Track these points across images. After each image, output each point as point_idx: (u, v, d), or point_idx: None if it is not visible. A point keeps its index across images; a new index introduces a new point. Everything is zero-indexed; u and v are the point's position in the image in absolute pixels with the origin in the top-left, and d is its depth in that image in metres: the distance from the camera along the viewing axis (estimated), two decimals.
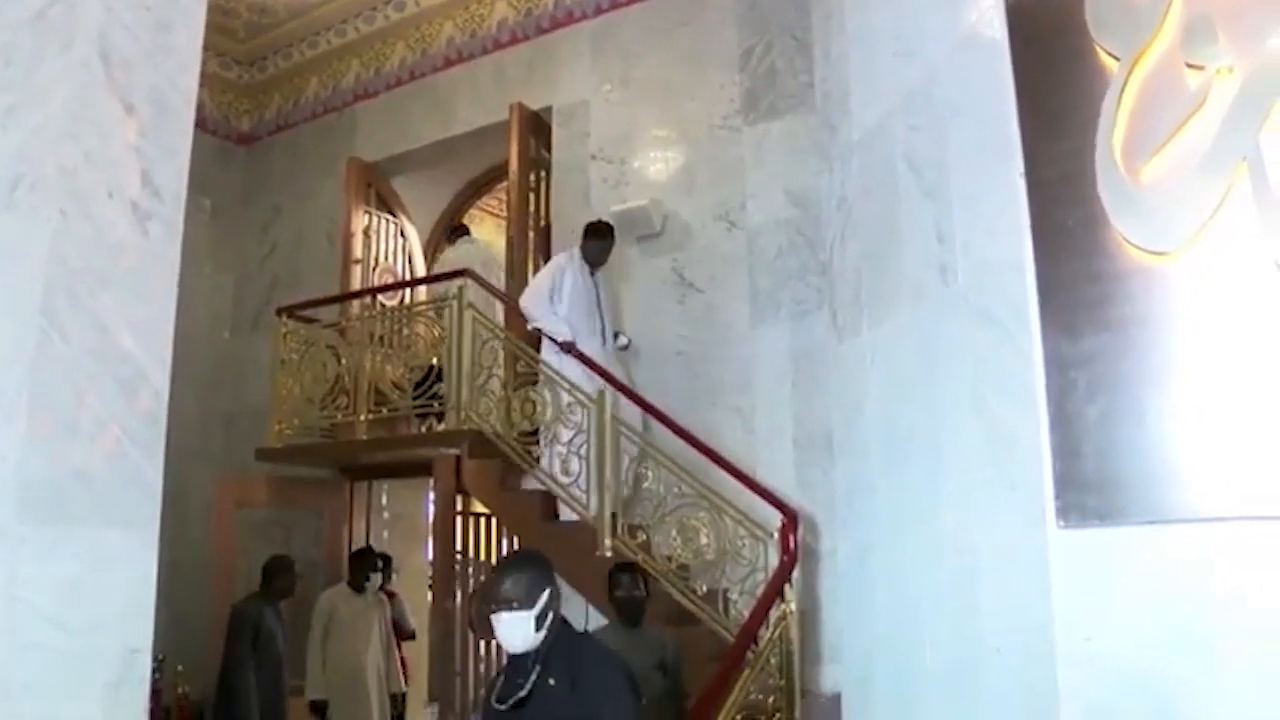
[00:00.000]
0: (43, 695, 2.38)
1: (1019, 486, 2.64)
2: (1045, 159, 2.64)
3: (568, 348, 6.43)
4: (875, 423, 3.52)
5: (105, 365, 2.53)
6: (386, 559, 8.63)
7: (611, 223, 6.94)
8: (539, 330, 6.65)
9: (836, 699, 5.87)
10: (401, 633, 8.56)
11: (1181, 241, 2.35)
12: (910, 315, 3.24)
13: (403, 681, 7.97)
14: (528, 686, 3.23)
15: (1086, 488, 2.47)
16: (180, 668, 7.48)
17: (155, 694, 5.46)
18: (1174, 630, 2.33)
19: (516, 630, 3.30)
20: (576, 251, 6.85)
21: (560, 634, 3.35)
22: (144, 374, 2.59)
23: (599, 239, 6.82)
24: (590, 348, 6.52)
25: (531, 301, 6.70)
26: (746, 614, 5.54)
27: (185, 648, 7.37)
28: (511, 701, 3.24)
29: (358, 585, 7.47)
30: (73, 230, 2.49)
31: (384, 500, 9.33)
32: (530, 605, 3.28)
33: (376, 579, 7.59)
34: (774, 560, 5.43)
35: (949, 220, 3.03)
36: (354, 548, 8.14)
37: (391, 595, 8.70)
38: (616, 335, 6.89)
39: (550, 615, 3.34)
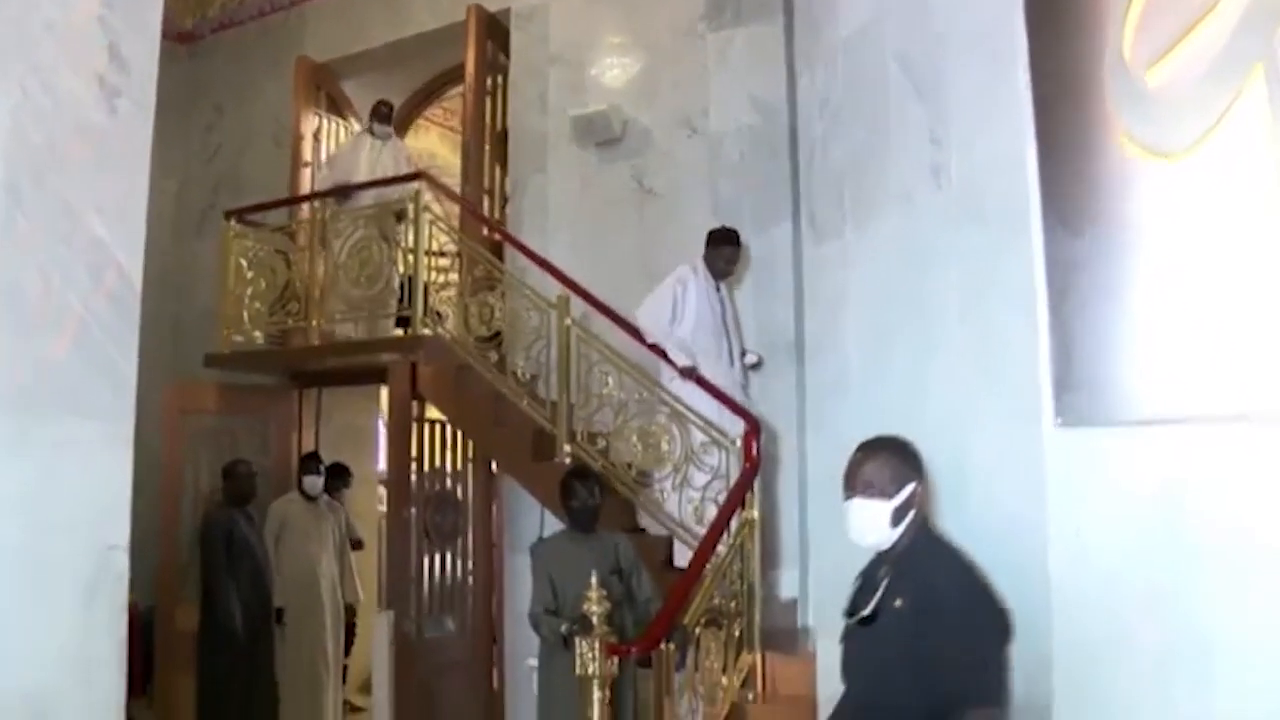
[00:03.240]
0: (13, 597, 2.29)
1: (1012, 387, 2.63)
2: (1050, 57, 2.59)
3: (688, 374, 5.77)
4: (855, 325, 3.50)
5: (72, 249, 2.41)
6: (344, 469, 8.56)
7: (736, 229, 6.21)
8: (654, 350, 5.96)
9: (793, 603, 5.96)
10: (352, 543, 8.51)
11: (1189, 143, 2.31)
12: (898, 217, 3.20)
13: (359, 592, 7.91)
14: (872, 605, 2.70)
15: (1081, 388, 2.46)
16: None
17: None
18: (1160, 525, 2.36)
19: (869, 520, 2.79)
20: (700, 264, 6.17)
21: (919, 541, 2.76)
22: (113, 259, 2.47)
23: (724, 245, 6.15)
24: (715, 371, 5.86)
25: (650, 319, 5.99)
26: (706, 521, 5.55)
27: (133, 556, 7.24)
28: (856, 619, 2.76)
29: (309, 493, 7.41)
30: (34, 106, 2.35)
31: (332, 409, 9.19)
32: (890, 495, 2.76)
33: (316, 482, 7.46)
34: (734, 467, 5.42)
35: (943, 122, 2.99)
36: (303, 455, 8.03)
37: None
38: (744, 353, 6.24)
39: (911, 513, 2.79)
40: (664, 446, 5.72)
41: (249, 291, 7.49)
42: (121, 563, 2.47)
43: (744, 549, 5.10)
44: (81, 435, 2.44)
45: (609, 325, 6.11)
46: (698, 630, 4.68)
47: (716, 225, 6.44)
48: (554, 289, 6.23)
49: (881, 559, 2.82)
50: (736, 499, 5.12)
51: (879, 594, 2.71)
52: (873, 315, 3.38)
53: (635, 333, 5.97)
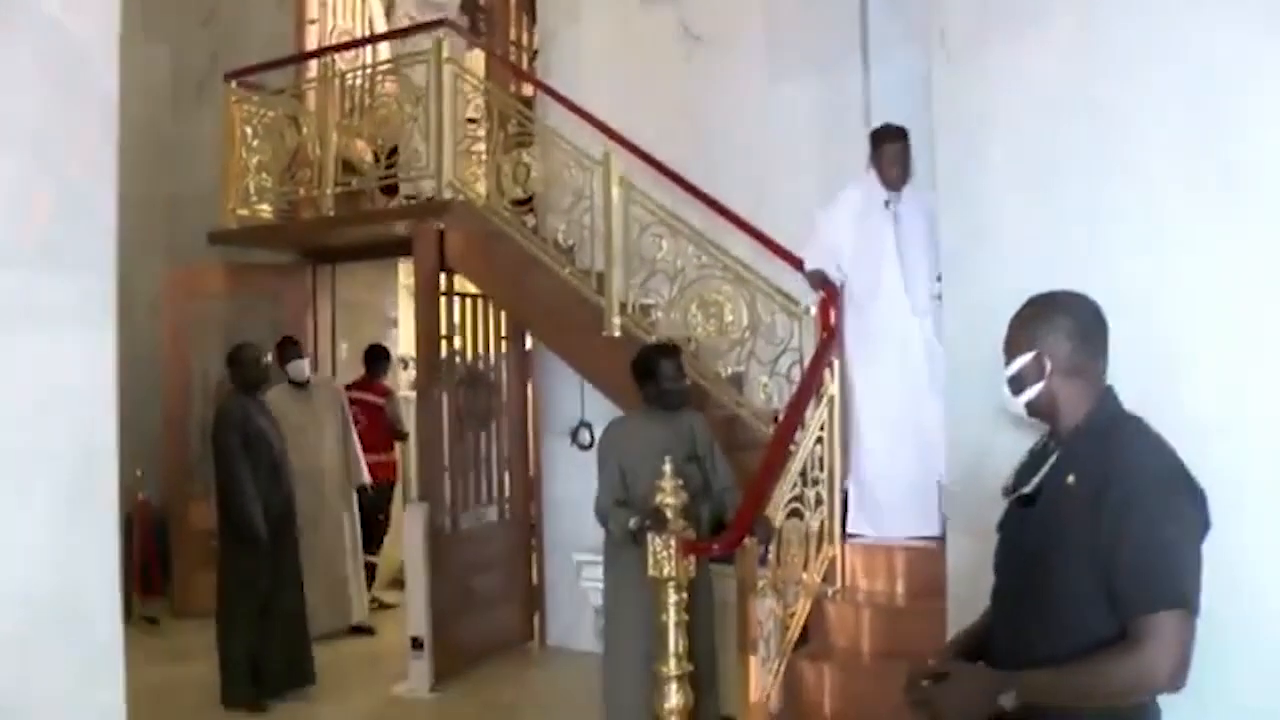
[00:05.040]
0: None
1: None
2: None
3: (813, 280, 4.90)
4: (1004, 157, 2.86)
5: (35, 50, 1.77)
6: (384, 351, 8.10)
7: (900, 125, 4.88)
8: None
9: None
10: (396, 434, 8.03)
11: None
12: (1077, 15, 2.54)
13: (364, 473, 7.23)
14: (1036, 481, 2.20)
15: None
16: (139, 472, 6.83)
17: None
18: None
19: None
20: (870, 175, 4.90)
21: (1100, 417, 2.16)
22: (79, 53, 1.84)
23: (883, 143, 4.86)
24: (871, 308, 4.76)
25: (809, 238, 5.00)
26: (776, 398, 5.02)
27: (141, 451, 6.71)
28: (1015, 495, 2.25)
29: (295, 379, 6.78)
30: None
31: (341, 287, 8.53)
32: (1061, 359, 2.16)
33: (302, 366, 6.81)
34: (808, 340, 4.85)
35: None
36: (318, 337, 7.44)
37: (388, 393, 8.11)
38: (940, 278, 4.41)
39: (1081, 381, 2.17)
40: (727, 317, 5.13)
41: (255, 161, 6.89)
42: (107, 470, 1.88)
43: (828, 430, 4.57)
44: (51, 292, 1.84)
45: (657, 184, 5.48)
46: (780, 523, 4.17)
47: (770, 74, 5.78)
48: (592, 149, 5.59)
49: (1054, 434, 2.24)
50: (816, 373, 4.56)
51: (1045, 469, 2.17)
52: (1032, 142, 2.74)
53: (694, 191, 5.36)
